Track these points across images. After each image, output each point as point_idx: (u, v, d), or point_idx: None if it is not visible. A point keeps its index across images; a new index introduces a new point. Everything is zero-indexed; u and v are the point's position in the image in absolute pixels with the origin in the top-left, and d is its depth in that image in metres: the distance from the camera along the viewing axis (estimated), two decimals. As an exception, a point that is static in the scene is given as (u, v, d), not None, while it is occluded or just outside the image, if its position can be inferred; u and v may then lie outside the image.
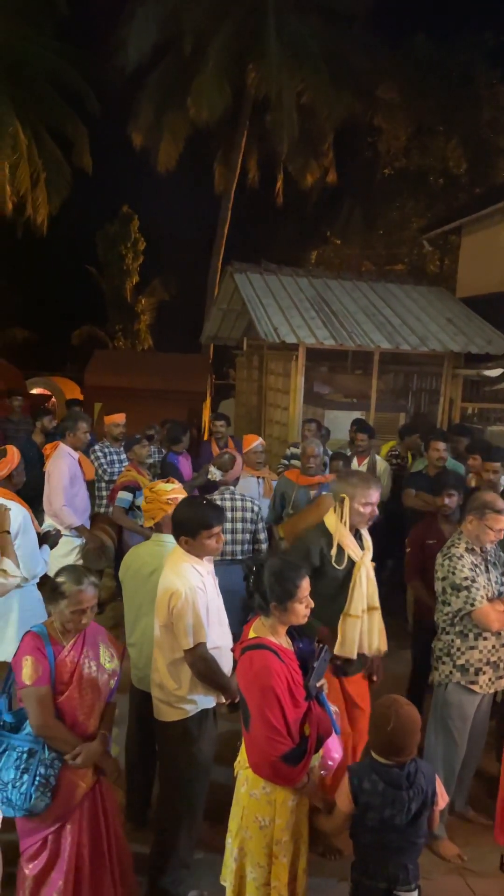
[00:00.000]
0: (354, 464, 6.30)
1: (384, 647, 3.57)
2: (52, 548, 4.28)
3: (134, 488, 5.62)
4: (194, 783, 3.11)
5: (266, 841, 2.73)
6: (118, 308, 23.89)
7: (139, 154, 16.87)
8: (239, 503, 4.82)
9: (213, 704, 3.13)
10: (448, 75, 16.75)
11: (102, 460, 6.61)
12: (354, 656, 3.45)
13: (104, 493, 6.53)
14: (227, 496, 4.84)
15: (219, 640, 3.08)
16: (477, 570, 3.53)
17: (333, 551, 3.47)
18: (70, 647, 2.75)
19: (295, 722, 2.67)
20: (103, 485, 6.58)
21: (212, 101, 14.62)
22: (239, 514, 4.78)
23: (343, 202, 19.50)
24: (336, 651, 3.40)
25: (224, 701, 3.13)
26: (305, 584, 2.77)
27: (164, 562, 3.22)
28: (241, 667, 2.73)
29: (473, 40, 16.91)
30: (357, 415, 8.00)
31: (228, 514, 4.66)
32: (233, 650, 3.05)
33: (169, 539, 3.36)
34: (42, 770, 2.63)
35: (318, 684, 2.77)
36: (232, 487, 5.01)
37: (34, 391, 14.95)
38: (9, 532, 3.74)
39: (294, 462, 6.44)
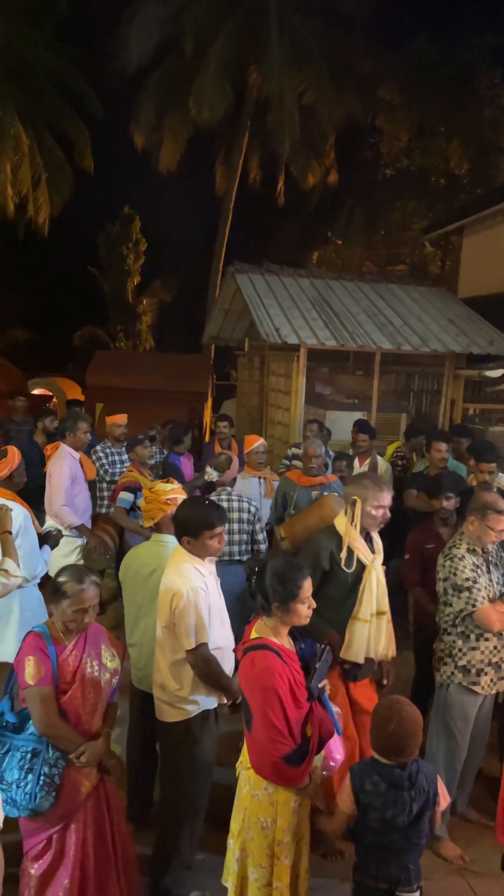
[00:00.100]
0: (356, 464, 6.30)
1: (393, 652, 3.54)
2: (52, 548, 4.29)
3: (135, 489, 5.61)
4: (196, 784, 3.11)
5: (268, 842, 2.73)
6: (120, 309, 23.89)
7: (141, 155, 16.94)
8: (236, 504, 4.83)
9: (215, 705, 3.13)
10: (449, 76, 16.72)
11: (104, 461, 6.61)
12: (361, 660, 3.43)
13: (105, 493, 6.53)
14: (224, 497, 4.85)
15: (221, 640, 3.08)
16: (478, 570, 3.53)
17: (343, 554, 3.45)
18: (72, 646, 2.76)
19: (297, 723, 2.67)
20: (105, 485, 6.57)
21: (213, 101, 14.64)
22: (236, 515, 4.80)
23: (344, 203, 19.51)
24: (343, 655, 3.38)
25: (226, 701, 3.14)
26: (307, 585, 2.77)
27: (163, 562, 3.22)
28: (243, 667, 2.73)
29: (474, 41, 16.89)
30: (358, 415, 7.98)
31: (226, 515, 4.67)
32: (234, 651, 3.05)
33: (169, 539, 3.37)
34: (46, 770, 2.64)
35: (319, 685, 2.76)
36: (229, 488, 5.02)
37: (35, 392, 14.91)
38: (10, 532, 3.75)
39: (295, 463, 6.43)
